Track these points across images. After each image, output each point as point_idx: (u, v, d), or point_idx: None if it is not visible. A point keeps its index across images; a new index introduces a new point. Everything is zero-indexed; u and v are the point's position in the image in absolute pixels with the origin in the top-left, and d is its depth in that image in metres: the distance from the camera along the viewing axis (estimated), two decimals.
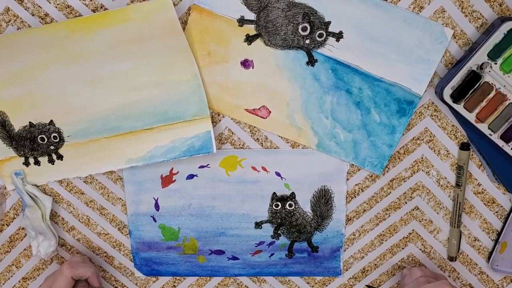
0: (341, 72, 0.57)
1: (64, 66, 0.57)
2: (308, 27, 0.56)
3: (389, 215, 0.64)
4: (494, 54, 0.54)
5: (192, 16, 0.56)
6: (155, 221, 0.65)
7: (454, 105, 0.56)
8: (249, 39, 0.57)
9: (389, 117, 0.59)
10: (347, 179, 0.62)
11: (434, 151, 0.61)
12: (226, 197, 0.63)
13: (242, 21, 0.56)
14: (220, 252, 0.66)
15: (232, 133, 0.61)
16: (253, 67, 0.58)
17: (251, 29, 0.57)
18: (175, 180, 0.63)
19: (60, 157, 0.61)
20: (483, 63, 0.55)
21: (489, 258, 0.65)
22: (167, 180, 0.63)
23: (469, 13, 0.55)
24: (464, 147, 0.60)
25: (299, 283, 0.68)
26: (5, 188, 0.63)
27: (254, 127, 0.61)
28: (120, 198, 0.64)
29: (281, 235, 0.65)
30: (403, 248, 0.66)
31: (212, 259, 0.67)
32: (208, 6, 0.56)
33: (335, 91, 0.58)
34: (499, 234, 0.64)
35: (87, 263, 0.63)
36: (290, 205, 0.63)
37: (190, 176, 0.63)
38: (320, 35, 0.56)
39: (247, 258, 0.66)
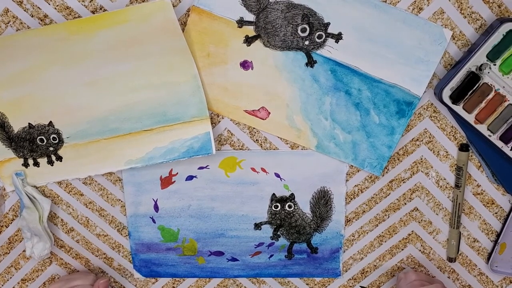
0: (340, 73, 0.58)
1: (63, 68, 0.57)
2: (307, 28, 0.56)
3: (389, 216, 0.64)
4: (493, 55, 0.54)
5: (191, 17, 0.56)
6: (155, 222, 0.65)
7: (453, 106, 0.56)
8: (248, 40, 0.57)
9: (388, 118, 0.59)
10: (347, 180, 0.62)
11: (434, 152, 0.61)
12: (226, 198, 0.63)
13: (241, 22, 0.56)
14: (220, 253, 0.66)
15: (232, 134, 0.61)
16: (252, 68, 0.58)
17: (250, 30, 0.57)
18: (175, 181, 0.63)
19: (59, 158, 0.61)
20: (482, 64, 0.55)
21: (488, 259, 0.65)
22: (166, 181, 0.63)
23: (468, 14, 0.56)
24: (463, 148, 0.60)
25: (299, 284, 0.68)
26: (4, 190, 0.63)
27: (254, 128, 0.61)
28: (120, 199, 0.64)
29: (281, 236, 0.65)
30: (402, 249, 0.66)
31: (212, 260, 0.67)
32: (207, 7, 0.56)
33: (334, 92, 0.58)
34: (498, 235, 0.64)
35: None
36: (290, 206, 0.63)
37: (190, 177, 0.63)
38: (319, 36, 0.56)
39: (247, 259, 0.66)
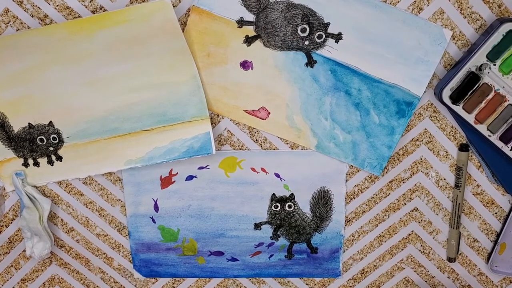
0: (340, 73, 0.58)
1: (63, 67, 0.57)
2: (307, 28, 0.56)
3: (388, 216, 0.64)
4: (493, 55, 0.54)
5: (191, 18, 0.57)
6: (154, 222, 0.65)
7: (453, 106, 0.56)
8: (248, 40, 0.57)
9: (388, 118, 0.59)
10: (346, 180, 0.62)
11: (433, 152, 0.61)
12: (226, 198, 0.63)
13: (241, 22, 0.56)
14: (220, 253, 0.66)
15: (232, 134, 0.61)
16: (252, 68, 0.58)
17: (250, 30, 0.57)
18: (174, 181, 0.63)
19: (59, 158, 0.61)
20: (482, 64, 0.55)
21: (488, 259, 0.65)
22: (166, 181, 0.63)
23: (468, 14, 0.56)
24: (463, 148, 0.60)
25: (299, 284, 0.68)
26: (4, 189, 0.63)
27: (254, 128, 0.61)
28: (119, 199, 0.64)
29: (281, 236, 0.65)
30: (402, 249, 0.66)
31: (212, 260, 0.67)
32: (207, 7, 0.56)
33: (334, 92, 0.58)
34: (498, 235, 0.64)
35: None
36: (290, 206, 0.63)
37: (190, 177, 0.63)
38: (319, 36, 0.56)
39: (247, 259, 0.66)
